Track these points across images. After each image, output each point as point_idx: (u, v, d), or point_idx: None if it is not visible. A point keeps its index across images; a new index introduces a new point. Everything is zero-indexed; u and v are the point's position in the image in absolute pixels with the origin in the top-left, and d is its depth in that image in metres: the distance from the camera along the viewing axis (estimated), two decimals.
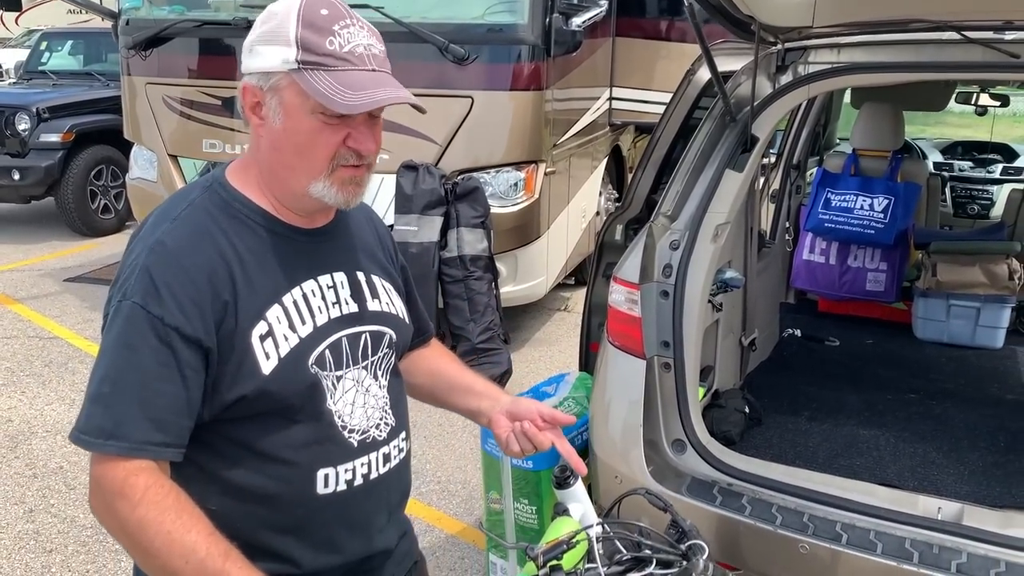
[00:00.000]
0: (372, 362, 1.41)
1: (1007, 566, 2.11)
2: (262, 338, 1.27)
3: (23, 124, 7.59)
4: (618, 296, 2.64)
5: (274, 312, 1.29)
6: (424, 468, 3.87)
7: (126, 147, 5.99)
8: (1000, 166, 5.62)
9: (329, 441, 1.34)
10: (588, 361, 3.21)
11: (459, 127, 4.81)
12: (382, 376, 1.44)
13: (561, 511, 1.60)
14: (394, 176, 4.70)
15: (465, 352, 4.58)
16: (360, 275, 1.44)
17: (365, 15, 4.68)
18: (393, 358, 1.48)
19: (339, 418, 1.35)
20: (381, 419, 1.42)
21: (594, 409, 2.72)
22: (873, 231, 4.27)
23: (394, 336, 1.47)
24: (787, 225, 4.75)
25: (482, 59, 4.78)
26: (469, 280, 4.59)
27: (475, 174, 4.81)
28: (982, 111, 5.50)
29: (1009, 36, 2.44)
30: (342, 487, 1.36)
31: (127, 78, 5.63)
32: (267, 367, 1.26)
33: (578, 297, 6.04)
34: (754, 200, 3.19)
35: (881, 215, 4.27)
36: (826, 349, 4.01)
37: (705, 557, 1.45)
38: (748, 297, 3.24)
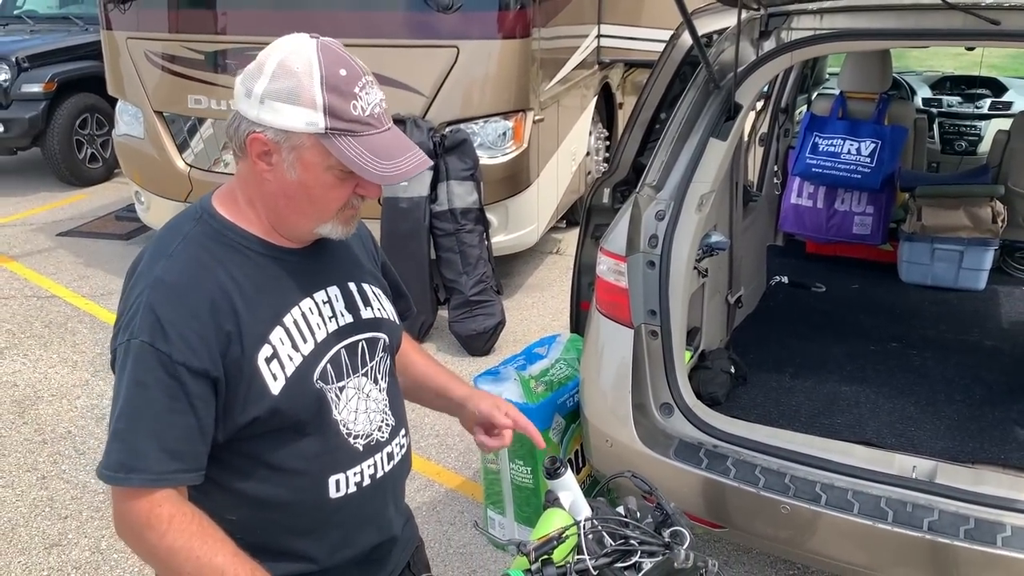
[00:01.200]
0: (371, 368, 1.48)
1: (975, 522, 2.23)
2: (267, 360, 1.33)
3: (3, 75, 7.46)
4: (605, 267, 2.71)
5: (276, 334, 1.35)
6: (423, 422, 3.98)
7: (110, 95, 5.92)
8: (988, 101, 5.61)
9: (337, 449, 1.42)
10: (579, 320, 3.29)
11: (445, 78, 4.77)
12: (381, 379, 1.51)
13: (552, 499, 1.69)
14: None
15: (458, 305, 4.65)
16: (352, 285, 1.50)
17: None
18: (388, 360, 1.55)
19: (344, 426, 1.42)
20: (383, 421, 1.50)
21: (584, 375, 2.81)
22: (860, 176, 4.31)
23: (387, 340, 1.54)
24: (775, 169, 4.78)
25: (467, 7, 4.71)
26: (460, 233, 4.63)
27: (463, 125, 4.79)
28: (971, 47, 5.46)
29: (987, 1, 2.44)
30: (352, 489, 1.44)
31: (107, 32, 5.53)
32: (275, 388, 1.33)
33: (570, 239, 6.09)
34: (739, 160, 3.22)
35: (868, 159, 4.31)
36: (812, 297, 4.10)
37: (686, 546, 1.54)
38: (734, 256, 3.31)
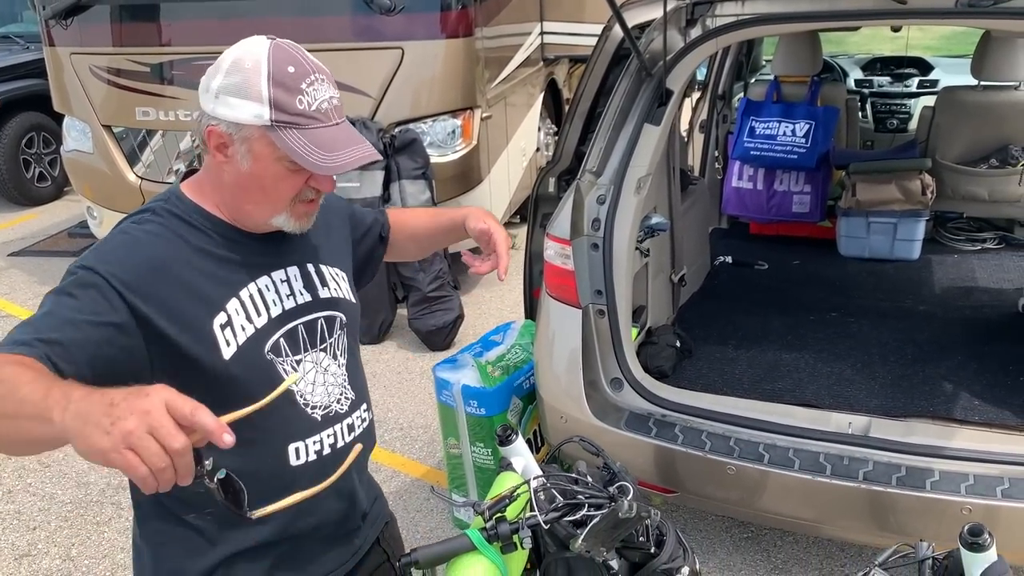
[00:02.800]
0: (329, 344, 1.57)
1: (907, 470, 2.38)
2: (222, 327, 1.40)
3: None
4: (552, 251, 2.82)
5: (232, 305, 1.42)
6: (386, 416, 4.07)
7: (55, 112, 5.89)
8: (916, 80, 5.84)
9: (295, 418, 1.50)
10: (532, 307, 3.40)
11: (392, 79, 4.85)
12: (340, 355, 1.59)
13: (505, 465, 1.80)
14: None
15: (417, 301, 4.74)
16: (310, 267, 1.58)
17: None
18: (346, 338, 1.63)
19: (301, 396, 1.50)
20: (341, 394, 1.58)
21: (538, 356, 2.92)
22: (796, 156, 4.49)
23: (344, 318, 1.62)
24: (716, 154, 4.94)
25: (409, 9, 4.80)
26: None
27: (412, 125, 4.88)
28: (896, 27, 5.69)
29: None
30: (312, 457, 1.52)
31: (50, 49, 5.51)
32: (227, 353, 1.40)
33: (525, 234, 6.19)
34: (675, 145, 3.35)
35: (803, 140, 4.48)
36: (755, 274, 4.26)
37: (630, 497, 1.65)
38: (675, 237, 3.44)
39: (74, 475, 3.66)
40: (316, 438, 1.53)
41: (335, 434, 1.56)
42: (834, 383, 2.92)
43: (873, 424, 2.55)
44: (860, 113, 5.53)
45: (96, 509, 3.44)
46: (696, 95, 5.00)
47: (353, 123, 4.88)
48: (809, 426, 2.56)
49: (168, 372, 1.33)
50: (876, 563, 1.60)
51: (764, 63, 6.15)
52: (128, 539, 3.19)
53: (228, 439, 1.05)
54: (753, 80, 5.35)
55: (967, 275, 4.17)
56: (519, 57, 5.83)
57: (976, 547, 1.42)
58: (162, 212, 1.43)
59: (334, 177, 1.44)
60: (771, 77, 4.74)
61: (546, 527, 1.62)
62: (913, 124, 5.40)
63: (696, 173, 4.82)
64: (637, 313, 3.13)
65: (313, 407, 1.52)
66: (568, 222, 2.76)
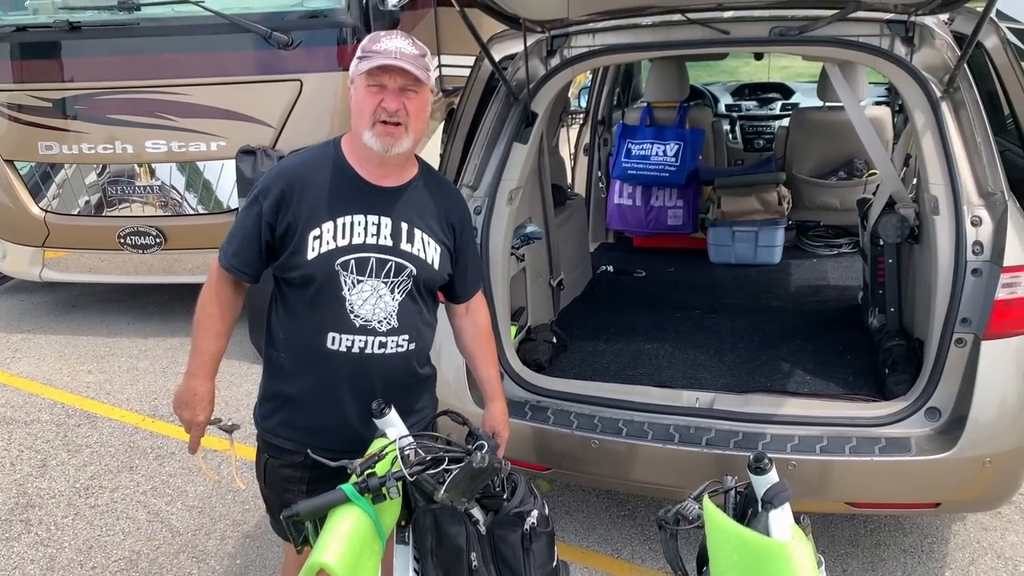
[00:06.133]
0: (392, 282, 2.05)
1: (743, 435, 2.75)
2: (314, 237, 2.00)
3: None
4: None
5: (327, 225, 2.00)
6: None
7: None
8: (779, 103, 6.43)
9: (338, 314, 2.02)
10: None
11: (291, 109, 5.11)
12: (398, 294, 2.06)
13: (379, 435, 2.07)
14: (234, 161, 4.98)
15: None
16: (404, 224, 2.06)
17: (185, 9, 4.98)
18: (412, 286, 2.08)
19: (349, 304, 2.02)
20: (385, 318, 2.05)
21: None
22: (668, 174, 4.94)
23: (414, 271, 2.07)
24: (599, 174, 5.36)
25: (306, 43, 5.08)
26: None
27: None
28: (759, 56, 6.26)
29: (727, 15, 3.02)
30: (342, 348, 2.03)
31: None
32: (311, 255, 1.99)
33: None
34: (544, 162, 3.71)
35: (673, 159, 4.94)
36: (633, 280, 4.64)
37: (484, 451, 1.93)
38: (552, 245, 3.79)
39: None
40: (349, 337, 2.03)
41: (367, 342, 2.04)
42: (688, 367, 3.29)
43: (717, 399, 2.91)
44: (731, 135, 6.05)
45: (5, 527, 3.54)
46: (580, 121, 5.42)
47: (254, 153, 5.13)
48: (662, 403, 2.91)
49: (283, 252, 2.02)
50: (691, 496, 1.92)
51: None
52: (37, 551, 3.32)
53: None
54: (629, 108, 5.80)
55: (820, 276, 4.65)
56: None
57: (759, 471, 1.77)
58: (314, 150, 2.10)
59: (400, 103, 1.94)
60: (645, 103, 5.19)
61: (411, 479, 1.90)
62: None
63: (582, 193, 5.21)
64: (518, 314, 3.46)
65: (356, 315, 2.03)
66: None
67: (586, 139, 5.40)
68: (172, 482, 3.78)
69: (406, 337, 2.09)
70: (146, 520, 3.50)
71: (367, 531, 1.82)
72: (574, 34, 3.17)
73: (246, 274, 2.08)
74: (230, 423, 2.26)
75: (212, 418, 2.17)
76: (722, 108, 6.43)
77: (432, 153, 6.62)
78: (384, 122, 1.95)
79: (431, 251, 2.10)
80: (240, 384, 4.70)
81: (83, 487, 3.78)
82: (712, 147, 5.31)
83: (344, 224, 2.01)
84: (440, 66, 6.70)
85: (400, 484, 1.90)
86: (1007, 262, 2.51)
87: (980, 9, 2.67)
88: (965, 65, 2.71)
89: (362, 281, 2.02)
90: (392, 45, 1.95)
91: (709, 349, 3.44)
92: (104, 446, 4.15)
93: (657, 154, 4.95)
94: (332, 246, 2.00)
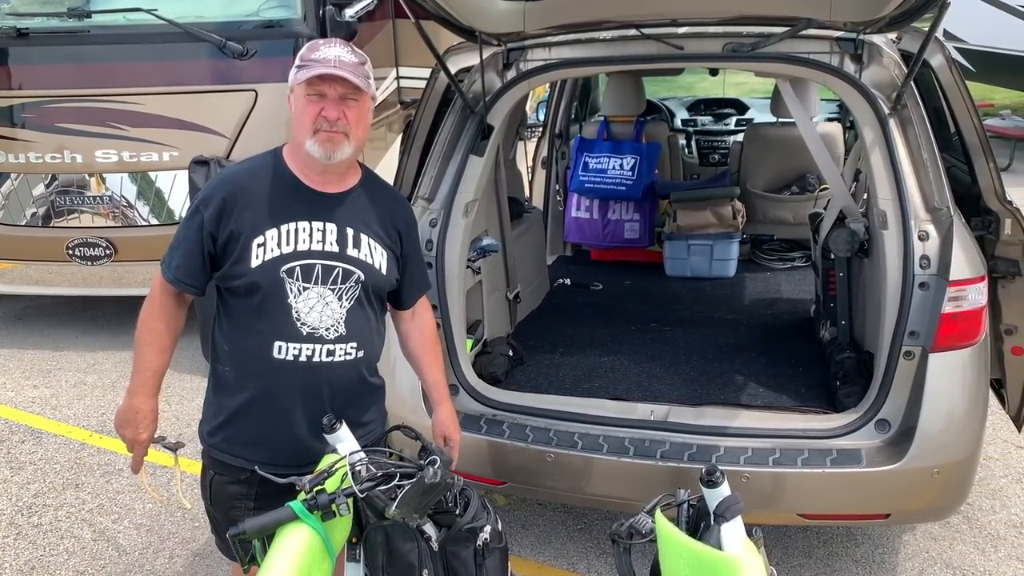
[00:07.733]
0: (339, 288, 2.03)
1: (697, 447, 2.76)
2: (258, 245, 1.98)
3: None
4: None
5: (271, 232, 1.99)
6: None
7: None
8: (734, 118, 6.52)
9: (285, 324, 2.00)
10: None
11: (246, 119, 5.03)
12: (345, 301, 2.04)
13: (330, 451, 2.04)
14: (186, 172, 4.89)
15: None
16: (349, 229, 2.05)
17: (137, 17, 4.91)
18: (360, 292, 2.07)
19: (296, 312, 2.00)
20: (332, 326, 2.03)
21: (382, 371, 3.15)
22: (624, 188, 4.97)
23: (363, 277, 2.06)
24: (556, 187, 5.37)
25: (262, 53, 5.02)
26: None
27: None
28: (714, 72, 6.35)
29: (681, 31, 3.05)
30: (290, 358, 2.01)
31: None
32: (255, 263, 1.98)
33: None
34: (501, 174, 3.71)
35: (630, 173, 4.97)
36: (590, 293, 4.66)
37: (436, 466, 1.90)
38: (508, 258, 3.78)
39: None
40: (296, 345, 2.01)
41: (314, 350, 2.02)
42: (644, 380, 3.29)
43: (672, 411, 2.92)
44: (686, 149, 6.11)
45: None
46: (538, 134, 5.43)
47: (207, 163, 5.04)
48: (618, 415, 2.91)
49: (225, 261, 2.00)
50: (644, 510, 1.92)
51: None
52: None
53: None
54: (586, 122, 5.83)
55: (774, 289, 4.71)
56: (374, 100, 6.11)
57: (711, 484, 1.77)
58: (256, 159, 2.08)
59: (340, 112, 1.95)
60: (602, 117, 5.22)
61: (362, 496, 1.87)
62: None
63: (539, 206, 5.22)
64: (474, 327, 3.44)
65: (303, 324, 2.01)
66: None
67: (544, 152, 5.42)
68: (119, 499, 3.69)
69: (354, 344, 2.08)
70: (91, 539, 3.40)
71: (316, 549, 1.79)
72: (530, 47, 3.18)
73: (192, 287, 2.06)
74: (175, 441, 2.20)
75: (156, 436, 2.13)
76: (678, 123, 6.51)
77: (390, 166, 6.60)
78: (324, 130, 1.95)
79: (378, 256, 2.10)
80: (192, 399, 4.61)
81: (25, 505, 3.66)
82: (668, 161, 5.35)
83: (288, 231, 2.00)
84: (398, 78, 6.69)
85: (351, 501, 1.87)
86: (953, 276, 2.57)
87: (926, 28, 2.73)
88: (912, 83, 2.77)
89: (308, 288, 2.01)
90: (331, 53, 1.95)
91: (664, 362, 3.45)
92: (49, 463, 4.03)
93: (614, 168, 4.98)
94: (277, 253, 1.98)
